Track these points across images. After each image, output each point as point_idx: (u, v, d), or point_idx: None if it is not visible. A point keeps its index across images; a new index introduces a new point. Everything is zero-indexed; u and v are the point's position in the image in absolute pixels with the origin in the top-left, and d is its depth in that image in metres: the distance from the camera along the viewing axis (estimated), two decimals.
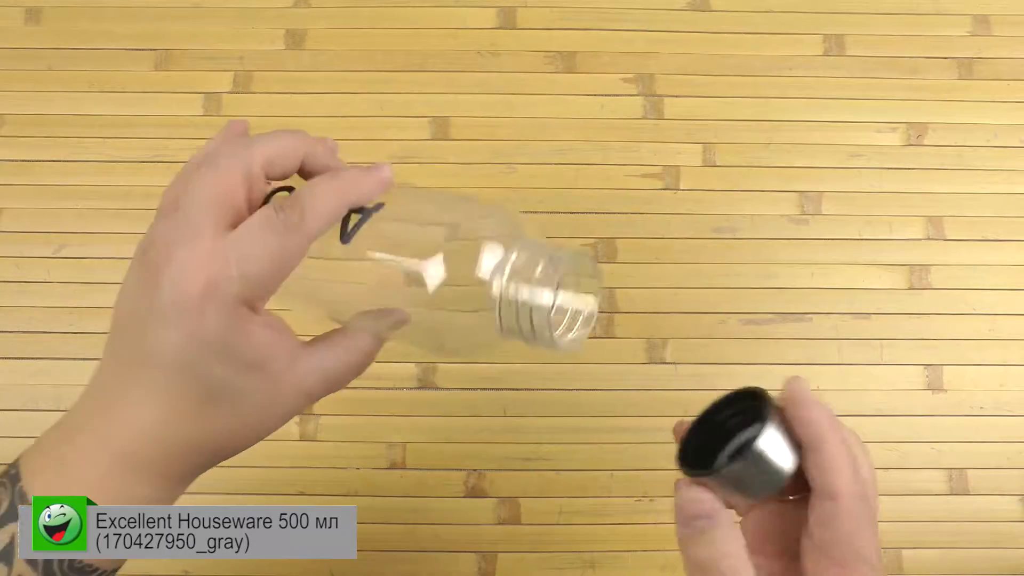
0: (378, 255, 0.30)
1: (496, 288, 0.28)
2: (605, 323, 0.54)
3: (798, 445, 0.29)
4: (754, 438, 0.28)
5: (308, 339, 0.29)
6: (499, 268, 0.28)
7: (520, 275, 0.28)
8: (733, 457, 0.28)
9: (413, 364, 0.53)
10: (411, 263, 0.29)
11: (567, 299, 0.30)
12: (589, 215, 0.55)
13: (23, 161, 0.56)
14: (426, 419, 0.52)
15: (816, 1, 0.59)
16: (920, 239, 0.55)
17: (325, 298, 0.31)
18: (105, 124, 0.56)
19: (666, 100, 0.57)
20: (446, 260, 0.28)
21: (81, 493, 0.26)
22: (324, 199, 0.27)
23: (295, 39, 0.58)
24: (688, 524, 0.28)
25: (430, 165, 0.56)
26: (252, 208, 0.27)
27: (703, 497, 0.28)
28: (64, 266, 0.54)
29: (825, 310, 0.54)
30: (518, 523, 0.51)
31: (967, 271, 0.55)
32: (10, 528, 0.26)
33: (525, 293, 0.27)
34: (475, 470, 0.51)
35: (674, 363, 0.53)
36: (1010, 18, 0.58)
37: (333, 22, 0.58)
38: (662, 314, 0.54)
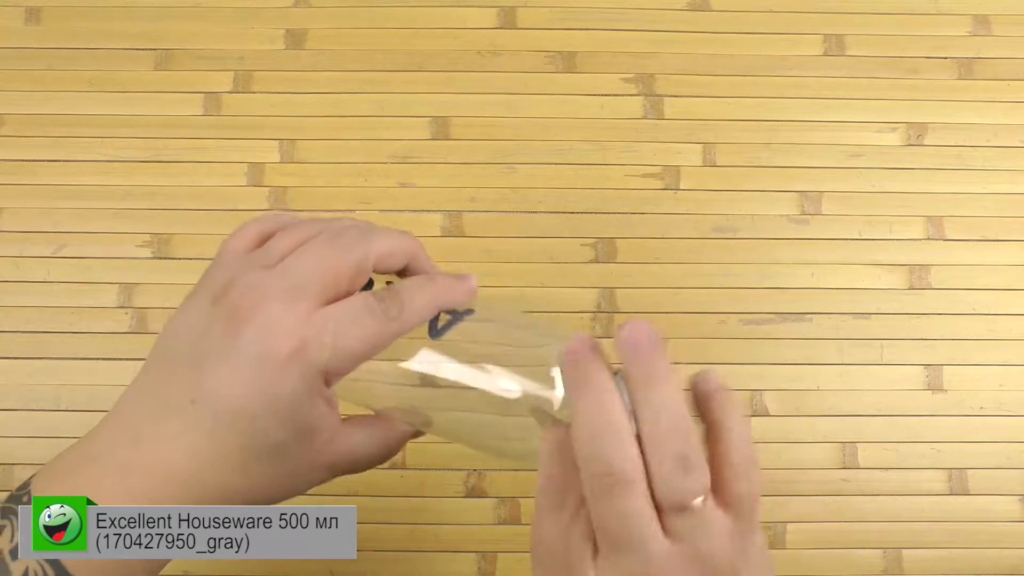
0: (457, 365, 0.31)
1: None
2: (605, 323, 0.54)
3: None
4: None
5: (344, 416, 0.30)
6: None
7: None
8: None
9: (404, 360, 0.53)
10: (498, 372, 0.30)
11: None
12: (589, 215, 0.55)
13: (23, 161, 0.56)
14: None
15: (816, 1, 0.59)
16: (920, 239, 0.55)
17: (375, 388, 0.33)
18: (105, 124, 0.56)
19: (666, 100, 0.57)
20: (522, 375, 0.30)
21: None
22: (423, 299, 0.29)
23: (295, 39, 0.58)
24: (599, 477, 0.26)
25: (430, 165, 0.56)
26: (349, 294, 0.28)
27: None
28: (64, 266, 0.54)
29: (825, 310, 0.54)
30: (518, 523, 0.51)
31: (967, 271, 0.55)
32: (25, 561, 0.26)
33: None
34: (475, 470, 0.51)
35: (674, 363, 0.53)
36: (1010, 18, 0.58)
37: (333, 22, 0.58)
38: (662, 314, 0.54)
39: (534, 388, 0.30)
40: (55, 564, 0.25)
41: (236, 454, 0.27)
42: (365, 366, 0.29)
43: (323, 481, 0.31)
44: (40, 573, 0.25)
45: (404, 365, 0.31)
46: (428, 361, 0.31)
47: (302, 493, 0.30)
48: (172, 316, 0.29)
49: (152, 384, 0.28)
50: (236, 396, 0.26)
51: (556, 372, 0.30)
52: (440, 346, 0.31)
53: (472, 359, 0.31)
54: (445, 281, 0.31)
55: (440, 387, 0.31)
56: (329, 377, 0.27)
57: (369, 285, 0.31)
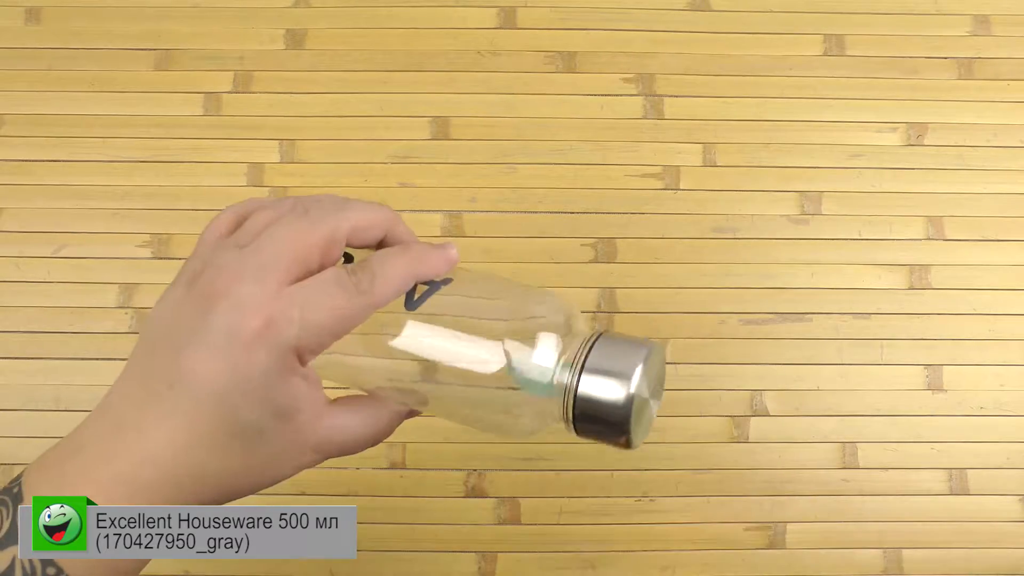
0: (437, 333, 0.30)
1: (567, 379, 0.28)
2: (605, 323, 0.54)
3: None
4: None
5: (333, 397, 0.29)
6: (572, 359, 0.28)
7: (598, 368, 0.27)
8: None
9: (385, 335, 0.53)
10: (471, 344, 0.29)
11: (643, 399, 0.29)
12: (589, 215, 0.55)
13: (23, 161, 0.56)
14: (426, 419, 0.52)
15: (816, 1, 0.59)
16: (920, 239, 0.55)
17: (358, 365, 0.31)
18: (105, 124, 0.56)
19: (666, 100, 0.57)
20: (510, 344, 0.28)
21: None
22: (395, 269, 0.28)
23: (295, 39, 0.58)
24: None
25: (430, 165, 0.56)
26: (322, 268, 0.28)
27: None
28: (64, 266, 0.54)
29: (825, 310, 0.54)
30: (518, 523, 0.51)
31: (967, 271, 0.55)
32: (11, 551, 0.26)
33: (604, 387, 0.27)
34: (475, 470, 0.51)
35: (674, 363, 0.53)
36: (1010, 18, 0.58)
37: (333, 22, 0.58)
38: (662, 314, 0.54)
39: (523, 361, 0.28)
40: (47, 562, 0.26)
41: (214, 436, 0.26)
42: (342, 342, 0.28)
43: (312, 464, 0.30)
44: (28, 566, 0.26)
45: (380, 339, 0.30)
46: (405, 335, 0.30)
47: (290, 477, 0.29)
48: (154, 306, 0.29)
49: (134, 372, 0.28)
50: (209, 377, 0.26)
51: (543, 341, 0.28)
52: (417, 318, 0.30)
53: (450, 331, 0.30)
54: (421, 250, 0.29)
55: (421, 362, 0.30)
56: (303, 354, 0.27)
57: (349, 260, 0.30)
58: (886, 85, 0.57)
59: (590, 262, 0.55)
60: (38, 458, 0.28)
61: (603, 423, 0.28)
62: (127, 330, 0.53)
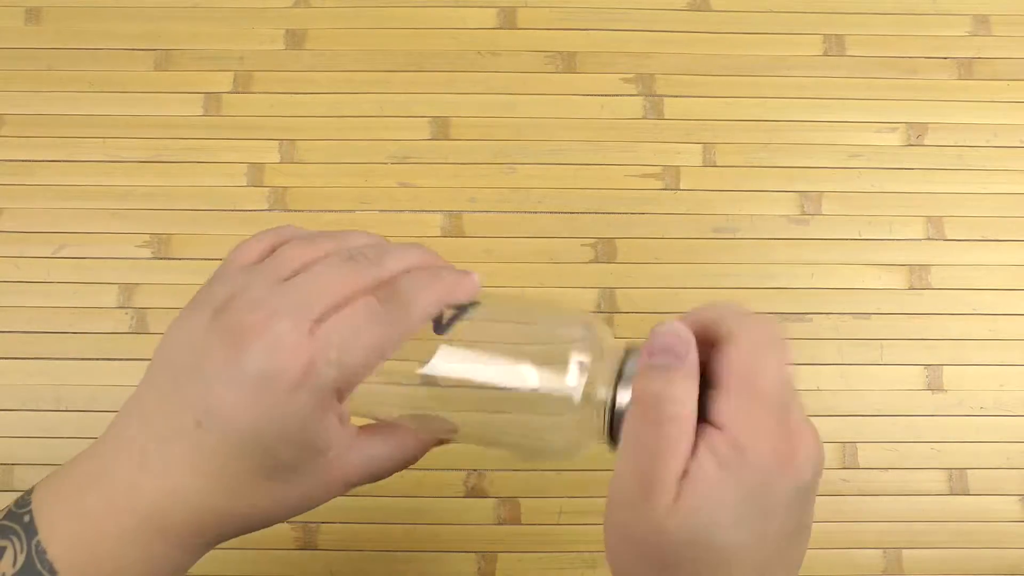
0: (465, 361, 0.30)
1: (605, 395, 0.28)
2: (605, 323, 0.54)
3: None
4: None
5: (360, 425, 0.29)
6: (608, 376, 0.28)
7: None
8: None
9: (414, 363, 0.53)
10: (505, 367, 0.29)
11: None
12: (589, 215, 0.55)
13: (23, 161, 0.56)
14: None
15: (816, 1, 0.59)
16: (920, 239, 0.55)
17: (386, 393, 0.31)
18: (105, 124, 0.56)
19: (666, 100, 0.57)
20: (544, 367, 0.28)
21: (104, 552, 0.25)
22: (427, 296, 0.27)
23: (295, 39, 0.58)
24: (656, 355, 0.27)
25: (430, 165, 0.56)
26: None
27: (687, 336, 0.27)
28: (64, 266, 0.54)
29: (825, 310, 0.54)
30: (518, 523, 0.51)
31: (967, 271, 0.55)
32: None
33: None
34: (475, 470, 0.51)
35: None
36: (1010, 18, 0.58)
37: (333, 22, 0.58)
38: (662, 314, 0.54)
39: (557, 381, 0.28)
40: None
41: (244, 476, 0.26)
42: (373, 374, 0.27)
43: (339, 494, 0.29)
44: None
45: (413, 367, 0.30)
46: (436, 361, 0.29)
47: (316, 507, 0.29)
48: (171, 326, 0.28)
49: (156, 401, 0.27)
50: (242, 419, 0.25)
51: (576, 361, 0.28)
52: (449, 343, 0.29)
53: (487, 355, 0.29)
54: (449, 276, 0.29)
55: (455, 387, 0.30)
56: (341, 393, 0.26)
57: None
58: (886, 85, 0.57)
59: (590, 262, 0.55)
60: (46, 481, 0.27)
61: None
62: (127, 330, 0.53)
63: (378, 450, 0.29)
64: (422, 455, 0.31)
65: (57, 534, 0.25)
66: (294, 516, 0.29)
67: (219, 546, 0.50)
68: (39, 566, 0.25)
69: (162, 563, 0.27)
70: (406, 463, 0.30)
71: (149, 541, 0.26)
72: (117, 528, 0.26)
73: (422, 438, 0.31)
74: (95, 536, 0.26)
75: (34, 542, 0.25)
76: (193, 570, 0.50)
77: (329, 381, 0.25)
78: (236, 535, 0.28)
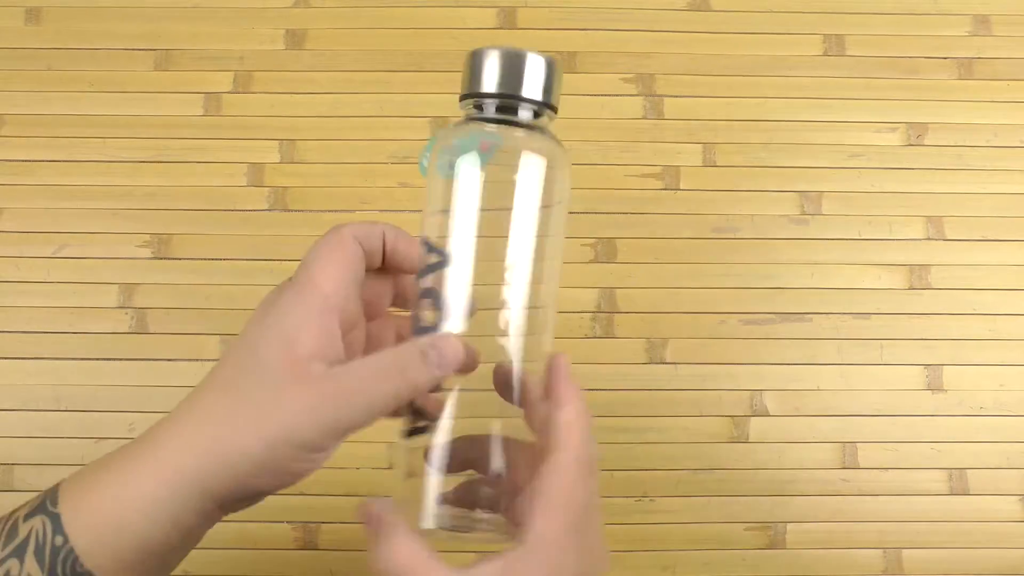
0: None
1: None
2: (605, 323, 0.54)
3: None
4: None
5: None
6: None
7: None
8: None
9: None
10: None
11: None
12: (589, 215, 0.55)
13: (23, 161, 0.56)
14: None
15: (816, 1, 0.59)
16: (920, 239, 0.55)
17: None
18: (105, 124, 0.56)
19: (666, 100, 0.57)
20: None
21: (129, 499, 0.27)
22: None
23: (295, 39, 0.58)
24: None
25: None
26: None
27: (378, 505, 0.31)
28: (64, 266, 0.54)
29: (825, 310, 0.54)
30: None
31: (967, 271, 0.55)
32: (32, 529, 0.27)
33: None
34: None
35: (674, 363, 0.53)
36: (1010, 18, 0.58)
37: (333, 22, 0.58)
38: (662, 314, 0.54)
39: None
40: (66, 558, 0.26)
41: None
42: None
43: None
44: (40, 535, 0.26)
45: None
46: None
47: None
48: None
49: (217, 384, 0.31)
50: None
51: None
52: None
53: None
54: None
55: None
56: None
57: None
58: (886, 85, 0.57)
59: (590, 262, 0.55)
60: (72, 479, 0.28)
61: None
62: (127, 330, 0.53)
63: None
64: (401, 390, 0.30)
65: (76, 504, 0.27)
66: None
67: (219, 546, 0.50)
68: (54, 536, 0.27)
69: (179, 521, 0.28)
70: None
71: (170, 496, 0.27)
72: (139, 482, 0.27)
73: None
74: (116, 491, 0.27)
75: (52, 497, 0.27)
76: (193, 570, 0.50)
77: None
78: (249, 496, 0.30)
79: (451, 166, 0.30)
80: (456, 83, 0.61)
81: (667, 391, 0.53)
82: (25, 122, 0.56)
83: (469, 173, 0.30)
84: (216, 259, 0.54)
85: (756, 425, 0.53)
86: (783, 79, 0.58)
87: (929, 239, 0.55)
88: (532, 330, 0.31)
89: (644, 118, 0.57)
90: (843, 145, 0.56)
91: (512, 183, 0.30)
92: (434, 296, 0.31)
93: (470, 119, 0.31)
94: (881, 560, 0.51)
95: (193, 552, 0.52)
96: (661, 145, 0.56)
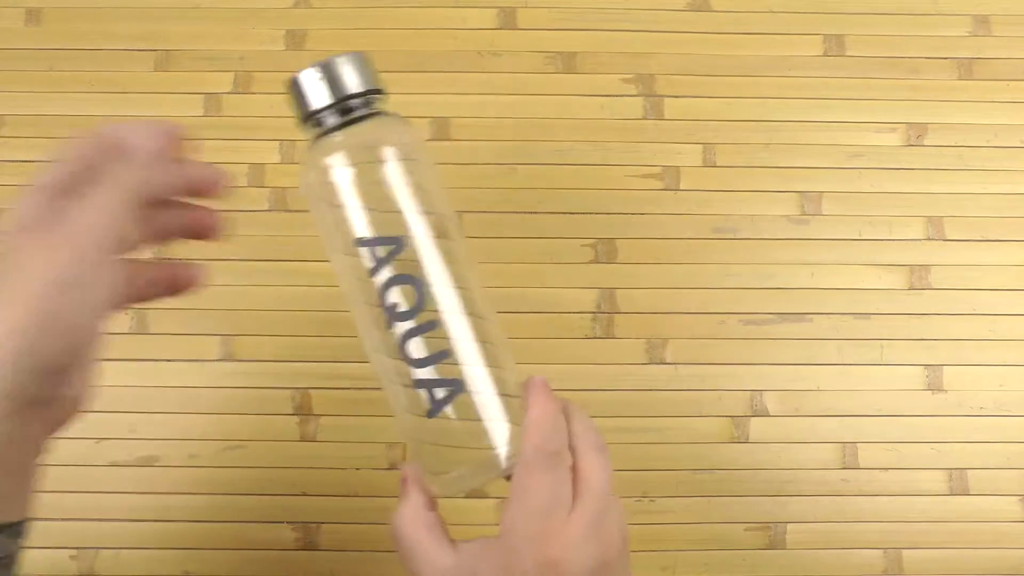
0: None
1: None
2: (605, 323, 0.54)
3: None
4: None
5: None
6: None
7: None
8: None
9: None
10: None
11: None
12: (589, 215, 0.55)
13: (23, 161, 0.56)
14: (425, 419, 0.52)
15: (816, 1, 0.59)
16: (920, 239, 0.55)
17: None
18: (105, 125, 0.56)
19: (666, 100, 0.57)
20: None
21: None
22: None
23: (295, 40, 0.58)
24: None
25: None
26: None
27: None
28: None
29: (825, 310, 0.54)
30: None
31: (967, 271, 0.55)
32: None
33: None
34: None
35: (674, 363, 0.53)
36: (1010, 18, 0.58)
37: (334, 23, 0.58)
38: (662, 314, 0.54)
39: None
40: None
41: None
42: None
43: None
44: None
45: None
46: None
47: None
48: None
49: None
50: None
51: None
52: None
53: None
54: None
55: None
56: None
57: None
58: (886, 85, 0.58)
59: (590, 262, 0.55)
60: None
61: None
62: (127, 330, 0.53)
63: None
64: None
65: None
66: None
67: (219, 546, 0.51)
68: None
69: None
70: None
71: None
72: None
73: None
74: None
75: None
76: (194, 570, 0.50)
77: None
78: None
79: (332, 180, 0.34)
80: (456, 83, 0.62)
81: (667, 391, 0.53)
82: (25, 122, 0.56)
83: (350, 175, 0.34)
84: (216, 259, 0.54)
85: (756, 425, 0.53)
86: (783, 79, 0.58)
87: (929, 239, 0.55)
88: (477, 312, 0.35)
89: (644, 118, 0.57)
90: (843, 145, 0.57)
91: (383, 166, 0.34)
92: (406, 280, 0.33)
93: (317, 139, 0.35)
94: (881, 560, 0.51)
95: (193, 552, 0.52)
96: (661, 145, 0.56)
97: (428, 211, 0.34)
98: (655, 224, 0.55)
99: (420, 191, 0.34)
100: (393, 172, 0.34)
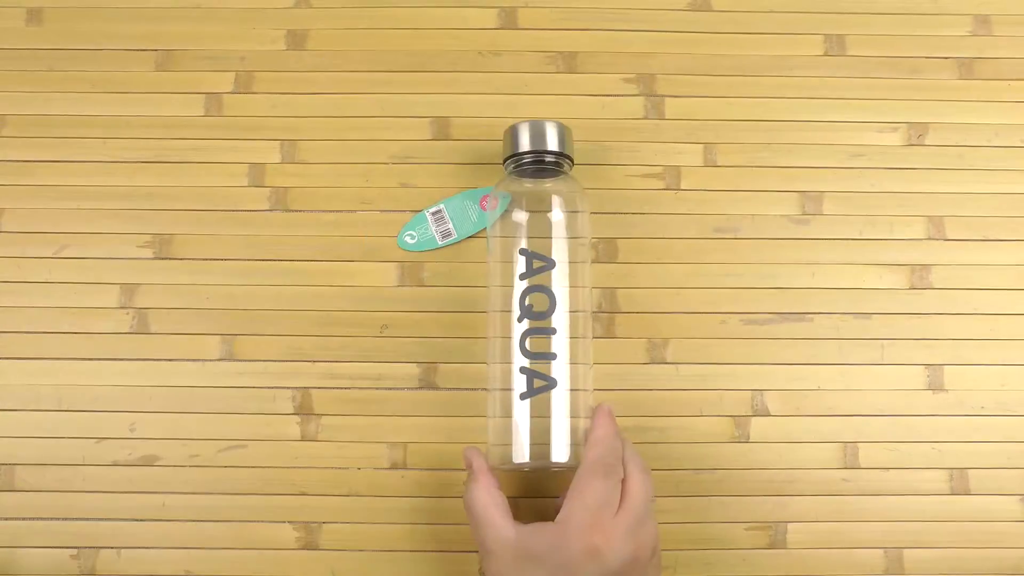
0: None
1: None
2: (605, 323, 0.54)
3: None
4: None
5: None
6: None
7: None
8: None
9: (414, 364, 0.53)
10: None
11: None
12: (589, 215, 0.55)
13: (24, 162, 0.56)
14: (427, 419, 0.53)
15: (816, 1, 0.59)
16: (921, 239, 0.55)
17: None
18: (106, 125, 0.56)
19: (667, 100, 0.57)
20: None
21: None
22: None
23: (296, 39, 0.58)
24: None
25: (430, 165, 0.56)
26: None
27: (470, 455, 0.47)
28: (65, 266, 0.54)
29: (825, 310, 0.54)
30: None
31: (968, 271, 0.55)
32: None
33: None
34: None
35: (675, 363, 0.53)
36: (1010, 18, 0.58)
37: (335, 22, 0.58)
38: (663, 314, 0.54)
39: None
40: None
41: None
42: None
43: None
44: None
45: None
46: None
47: None
48: None
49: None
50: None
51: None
52: None
53: None
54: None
55: None
56: None
57: None
58: (886, 85, 0.57)
59: (591, 262, 0.55)
60: None
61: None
62: (128, 331, 0.53)
63: None
64: None
65: None
66: None
67: (219, 546, 0.51)
68: None
69: None
70: None
71: None
72: None
73: None
74: None
75: None
76: (194, 570, 0.50)
77: None
78: None
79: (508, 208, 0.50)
80: (457, 83, 0.62)
81: (668, 391, 0.53)
82: (26, 122, 0.56)
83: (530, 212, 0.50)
84: (217, 259, 0.54)
85: (757, 425, 0.53)
86: (784, 79, 0.58)
87: (930, 239, 0.55)
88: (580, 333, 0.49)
89: (645, 118, 0.57)
90: (844, 145, 0.57)
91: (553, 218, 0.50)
92: (545, 290, 0.48)
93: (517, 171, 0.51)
94: (882, 560, 0.51)
95: (194, 552, 0.53)
96: (662, 145, 0.56)
97: (576, 251, 0.49)
98: (656, 224, 0.55)
99: (576, 235, 0.50)
100: (560, 215, 0.49)
